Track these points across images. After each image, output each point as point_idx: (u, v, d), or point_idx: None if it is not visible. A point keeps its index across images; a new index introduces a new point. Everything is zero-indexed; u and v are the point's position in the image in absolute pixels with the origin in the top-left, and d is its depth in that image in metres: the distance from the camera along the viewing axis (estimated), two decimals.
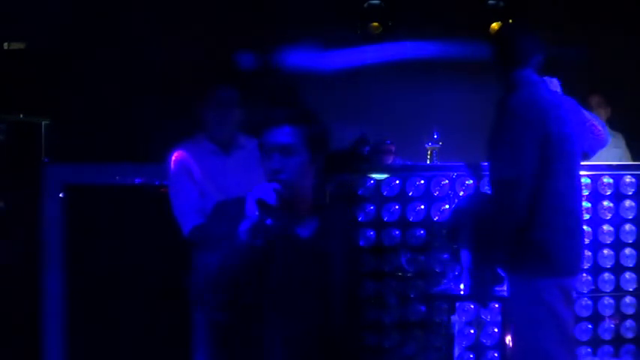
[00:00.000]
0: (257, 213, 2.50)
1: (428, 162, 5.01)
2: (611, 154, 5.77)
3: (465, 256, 4.36)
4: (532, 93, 3.67)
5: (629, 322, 4.81)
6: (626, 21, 6.78)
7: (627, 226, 4.81)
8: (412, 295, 4.78)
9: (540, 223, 3.58)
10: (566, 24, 6.86)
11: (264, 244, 2.50)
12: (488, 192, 4.62)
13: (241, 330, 2.61)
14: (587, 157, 4.10)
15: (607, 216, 4.78)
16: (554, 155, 3.61)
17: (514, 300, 3.69)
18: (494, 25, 6.94)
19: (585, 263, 4.64)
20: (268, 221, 2.50)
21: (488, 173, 3.90)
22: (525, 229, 3.56)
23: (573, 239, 3.69)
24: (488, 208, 3.72)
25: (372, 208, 4.78)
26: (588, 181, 4.71)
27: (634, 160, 5.89)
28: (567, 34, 6.79)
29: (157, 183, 4.86)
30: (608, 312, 4.79)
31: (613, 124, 6.09)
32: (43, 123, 5.34)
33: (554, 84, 3.93)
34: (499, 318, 4.57)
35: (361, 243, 4.75)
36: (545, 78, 3.84)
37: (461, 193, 4.72)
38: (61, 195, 4.98)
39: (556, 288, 3.59)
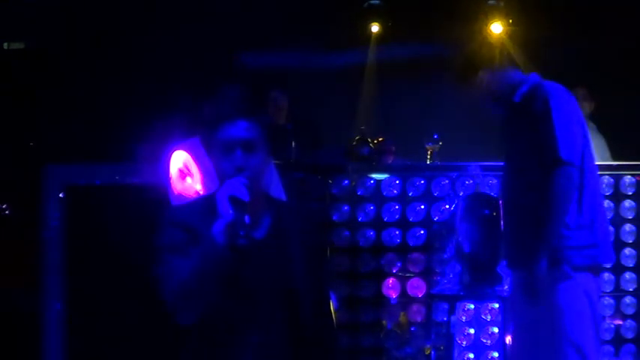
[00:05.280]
0: (231, 211, 2.41)
1: (428, 162, 5.01)
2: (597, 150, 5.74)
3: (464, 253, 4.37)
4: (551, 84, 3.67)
5: (629, 322, 4.82)
6: (624, 22, 6.78)
7: (627, 226, 4.81)
8: (411, 295, 4.78)
9: (586, 222, 3.52)
10: (565, 24, 6.86)
11: (247, 242, 2.39)
12: (489, 193, 4.63)
13: (211, 337, 2.52)
14: None
15: (607, 216, 4.78)
16: (587, 151, 3.59)
17: (550, 294, 3.52)
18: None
19: None
20: (247, 218, 2.40)
21: (507, 169, 3.81)
22: (572, 226, 3.49)
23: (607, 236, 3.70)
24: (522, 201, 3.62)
25: (372, 208, 4.78)
26: None
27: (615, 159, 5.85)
28: (566, 34, 6.79)
29: (156, 183, 4.86)
30: (608, 312, 4.79)
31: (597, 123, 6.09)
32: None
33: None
34: (499, 318, 4.57)
35: (361, 243, 4.76)
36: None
37: (461, 193, 4.72)
38: (61, 195, 4.98)
39: (593, 282, 3.59)
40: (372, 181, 4.81)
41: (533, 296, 3.47)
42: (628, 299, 4.81)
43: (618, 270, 4.80)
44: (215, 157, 2.57)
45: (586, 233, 3.52)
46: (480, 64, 3.76)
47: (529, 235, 3.52)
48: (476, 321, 4.66)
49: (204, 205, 2.59)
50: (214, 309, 2.47)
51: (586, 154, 3.57)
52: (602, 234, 3.62)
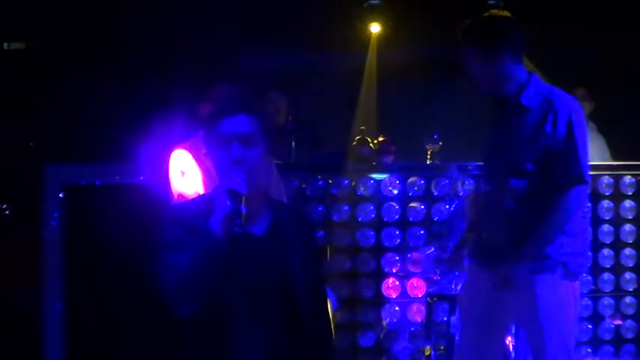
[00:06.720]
0: (229, 203, 2.45)
1: (428, 162, 5.01)
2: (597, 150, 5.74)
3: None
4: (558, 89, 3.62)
5: (629, 322, 4.82)
6: (625, 23, 6.78)
7: (627, 226, 4.82)
8: (412, 295, 4.78)
9: (578, 232, 3.52)
10: (565, 24, 6.86)
11: (242, 231, 2.45)
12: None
13: (212, 333, 2.53)
14: None
15: (607, 216, 4.78)
16: None
17: (546, 299, 3.50)
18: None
19: None
20: (243, 208, 2.45)
21: (493, 164, 3.75)
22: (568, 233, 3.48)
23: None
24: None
25: (372, 208, 4.78)
26: None
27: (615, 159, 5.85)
28: (566, 34, 6.80)
29: (156, 183, 4.86)
30: (608, 312, 4.79)
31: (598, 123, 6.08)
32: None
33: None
34: None
35: (361, 243, 4.75)
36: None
37: (461, 193, 4.72)
38: (60, 195, 4.98)
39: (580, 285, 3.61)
40: (372, 181, 4.81)
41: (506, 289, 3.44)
42: (628, 299, 4.82)
43: (618, 270, 4.81)
44: (213, 151, 2.60)
45: (578, 241, 3.52)
46: (504, 43, 3.68)
47: (510, 235, 3.49)
48: None
49: (204, 204, 2.59)
50: (215, 305, 2.49)
51: None
52: (588, 244, 3.66)
